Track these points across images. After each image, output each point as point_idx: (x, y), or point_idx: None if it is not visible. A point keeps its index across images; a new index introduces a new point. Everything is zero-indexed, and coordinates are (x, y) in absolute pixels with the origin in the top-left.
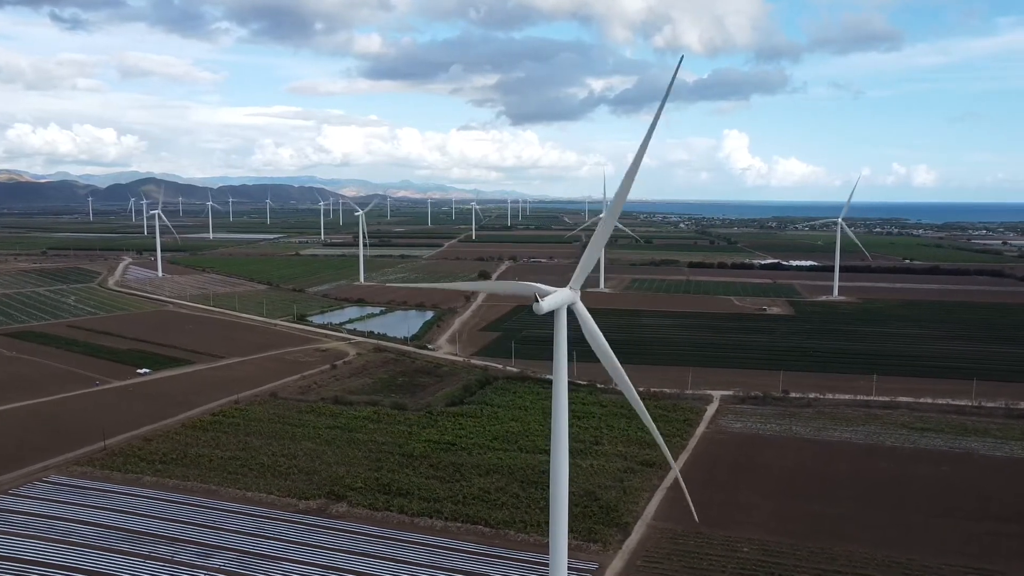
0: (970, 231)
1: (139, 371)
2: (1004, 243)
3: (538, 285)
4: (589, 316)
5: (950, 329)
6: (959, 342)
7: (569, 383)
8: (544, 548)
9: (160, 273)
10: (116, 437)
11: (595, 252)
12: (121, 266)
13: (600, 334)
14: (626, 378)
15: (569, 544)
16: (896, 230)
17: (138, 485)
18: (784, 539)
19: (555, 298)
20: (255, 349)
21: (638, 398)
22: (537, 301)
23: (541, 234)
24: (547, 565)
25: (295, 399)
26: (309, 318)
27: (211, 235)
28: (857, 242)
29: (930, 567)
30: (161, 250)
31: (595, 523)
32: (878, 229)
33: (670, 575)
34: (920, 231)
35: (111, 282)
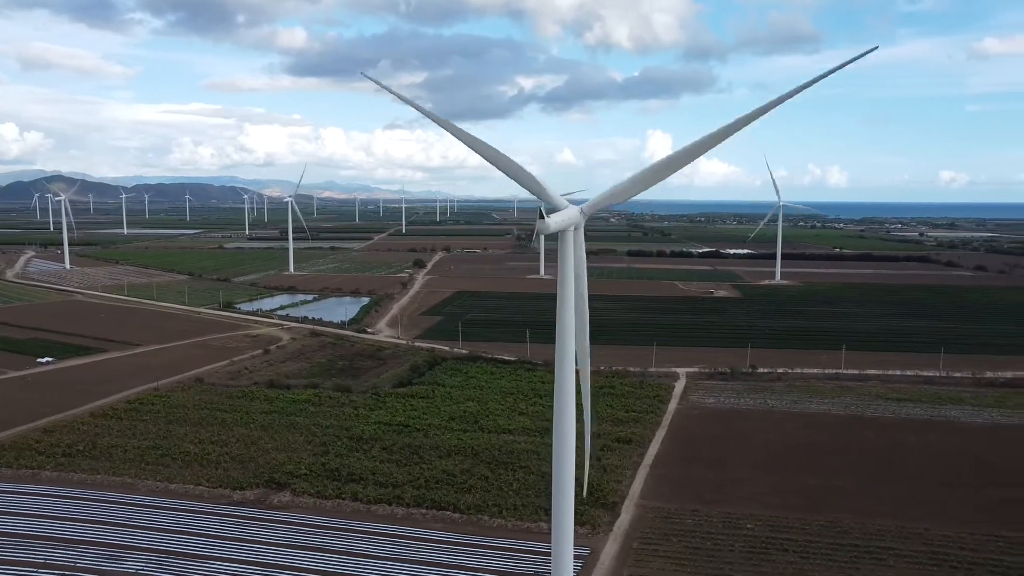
0: (887, 225)
1: (40, 360)
2: (921, 234)
3: (552, 194)
4: (583, 246)
5: (894, 308)
6: (907, 319)
7: (524, 363)
8: (524, 533)
9: (67, 265)
10: (8, 431)
11: (642, 185)
12: (23, 259)
13: (585, 269)
14: (586, 314)
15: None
16: (819, 224)
17: (33, 482)
18: (789, 513)
19: (563, 217)
20: (177, 336)
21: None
22: (543, 218)
23: (472, 228)
24: (528, 553)
25: (224, 384)
26: (237, 306)
27: (125, 231)
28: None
29: (949, 536)
30: (70, 244)
31: (580, 504)
32: (802, 223)
33: (673, 557)
34: (840, 225)
35: (10, 274)
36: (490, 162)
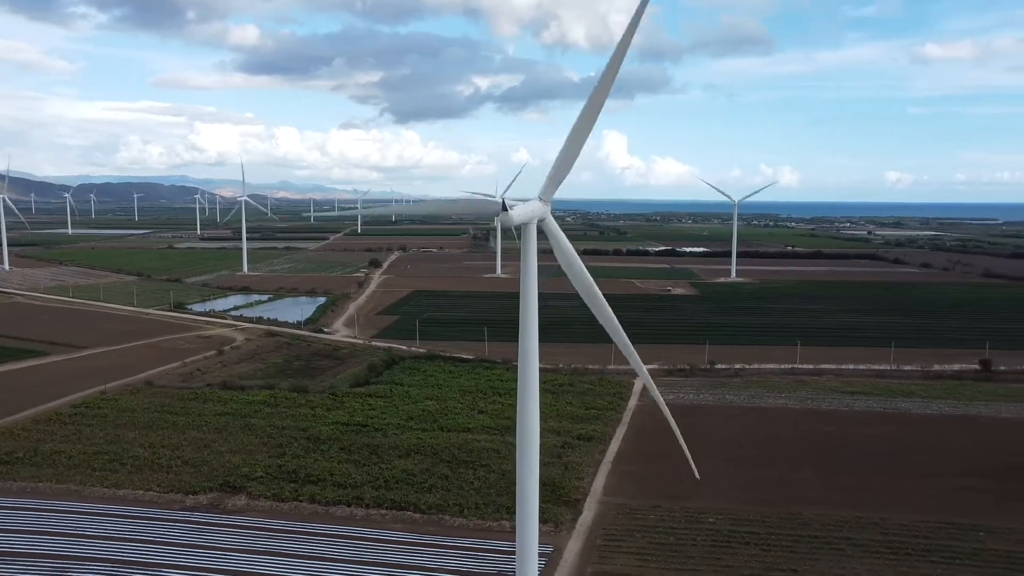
0: (836, 223)
1: None
2: (869, 233)
3: (499, 199)
4: (561, 232)
5: (847, 304)
6: (859, 314)
7: (483, 361)
8: (486, 532)
9: (7, 266)
10: None
11: (575, 148)
12: None
13: (575, 253)
14: (602, 298)
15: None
16: (772, 223)
17: None
18: (750, 507)
19: (526, 209)
20: (125, 338)
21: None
22: (506, 210)
23: (428, 228)
24: (492, 552)
25: (176, 386)
26: (188, 306)
27: (70, 231)
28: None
29: (905, 525)
30: (9, 244)
31: (542, 502)
32: (755, 222)
33: (636, 552)
34: (792, 223)
35: None
36: (437, 214)
